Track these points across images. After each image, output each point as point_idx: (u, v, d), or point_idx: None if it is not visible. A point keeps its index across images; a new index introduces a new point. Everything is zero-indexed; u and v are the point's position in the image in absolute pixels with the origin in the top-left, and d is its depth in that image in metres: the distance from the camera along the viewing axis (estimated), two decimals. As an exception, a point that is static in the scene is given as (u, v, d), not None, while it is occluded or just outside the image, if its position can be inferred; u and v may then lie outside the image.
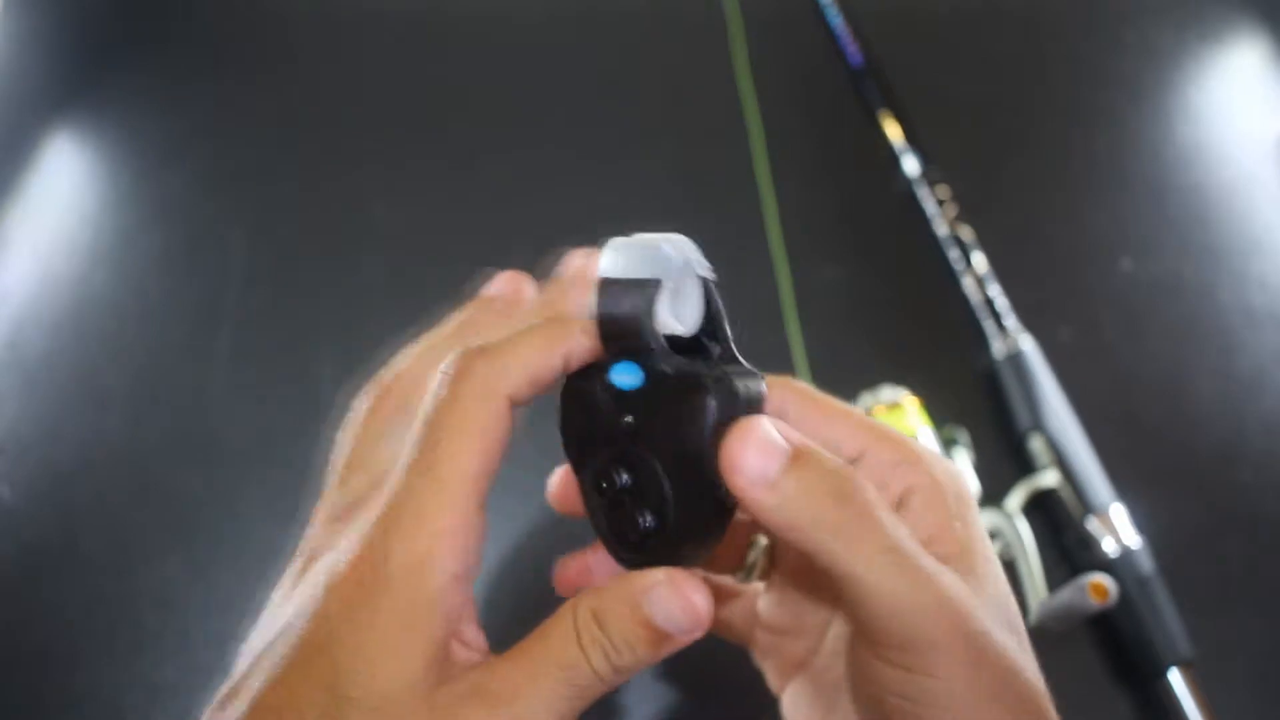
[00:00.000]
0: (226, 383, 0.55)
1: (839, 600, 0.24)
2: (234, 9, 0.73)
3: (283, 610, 0.23)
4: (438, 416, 0.23)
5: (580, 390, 0.26)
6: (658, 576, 0.23)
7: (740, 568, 0.31)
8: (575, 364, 0.25)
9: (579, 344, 0.25)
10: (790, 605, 0.30)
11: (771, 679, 0.30)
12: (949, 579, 0.22)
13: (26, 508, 0.51)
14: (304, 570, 0.24)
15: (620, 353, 0.25)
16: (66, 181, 0.64)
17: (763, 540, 0.31)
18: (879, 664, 0.22)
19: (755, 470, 0.22)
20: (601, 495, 0.25)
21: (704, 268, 0.25)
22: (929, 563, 0.22)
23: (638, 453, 0.24)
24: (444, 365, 0.24)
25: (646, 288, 0.24)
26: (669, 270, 0.24)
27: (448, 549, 0.22)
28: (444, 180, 0.64)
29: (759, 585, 0.31)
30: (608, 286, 0.25)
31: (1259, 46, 0.70)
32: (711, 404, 0.23)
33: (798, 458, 0.23)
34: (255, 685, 0.21)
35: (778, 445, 0.22)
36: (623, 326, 0.25)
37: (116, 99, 0.68)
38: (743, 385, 0.24)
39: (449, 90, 0.68)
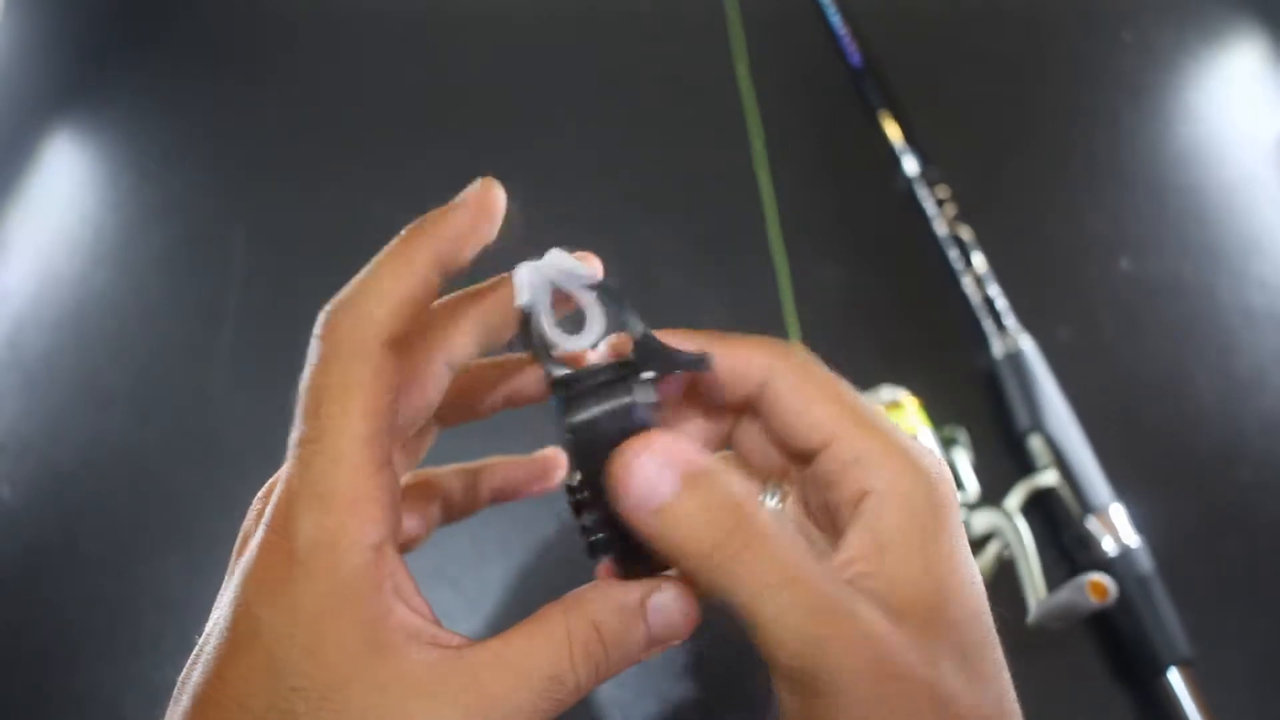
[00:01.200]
0: (227, 382, 0.55)
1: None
2: (234, 9, 0.73)
3: (219, 603, 0.22)
4: (315, 381, 0.22)
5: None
6: (660, 583, 0.23)
7: None
8: (458, 259, 0.24)
9: (443, 238, 0.24)
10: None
11: None
12: (855, 608, 0.20)
13: (27, 507, 0.51)
14: (240, 551, 0.24)
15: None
16: (67, 181, 0.64)
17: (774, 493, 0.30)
18: (784, 696, 0.21)
19: (641, 492, 0.21)
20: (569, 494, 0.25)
21: (579, 280, 0.25)
22: (832, 589, 0.20)
23: (587, 465, 0.24)
24: (315, 326, 0.23)
25: (527, 314, 0.25)
26: (522, 298, 0.24)
27: (356, 523, 0.21)
28: (444, 180, 0.63)
29: None
30: (522, 314, 0.25)
31: (1259, 46, 0.70)
32: (567, 419, 0.23)
33: (691, 480, 0.21)
34: (196, 680, 0.21)
35: (667, 466, 0.21)
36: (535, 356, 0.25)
37: (117, 99, 0.68)
38: (604, 395, 0.23)
39: (449, 90, 0.68)
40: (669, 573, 0.24)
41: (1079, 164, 0.64)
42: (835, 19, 0.66)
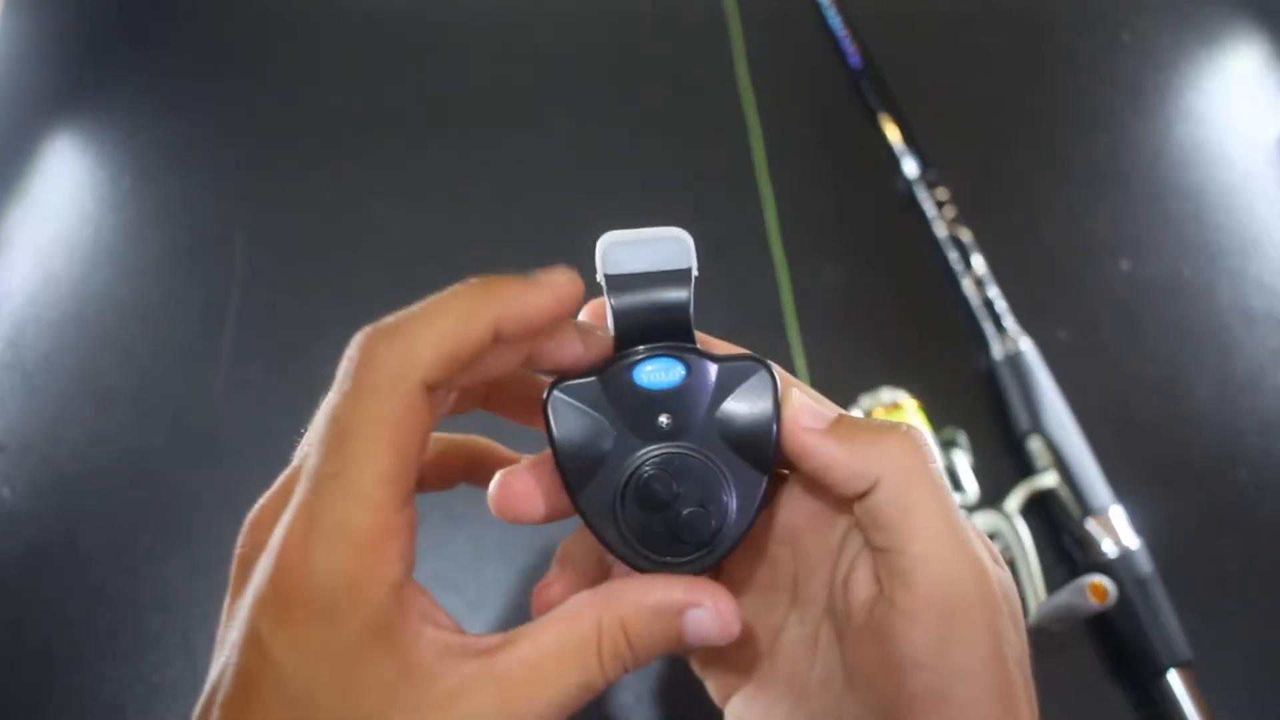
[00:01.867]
0: (228, 382, 0.55)
1: (877, 549, 0.23)
2: (234, 9, 0.73)
3: (227, 634, 0.21)
4: (343, 413, 0.21)
5: (585, 397, 0.24)
6: (701, 598, 0.23)
7: None
8: (511, 330, 0.22)
9: (513, 306, 0.22)
10: (742, 609, 0.29)
11: (715, 690, 0.29)
12: (983, 548, 0.23)
13: (28, 507, 0.51)
14: (239, 579, 0.22)
15: (638, 353, 0.24)
16: (68, 182, 0.64)
17: None
18: (909, 627, 0.22)
19: (817, 426, 0.23)
20: (646, 506, 0.24)
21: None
22: (972, 530, 0.23)
23: (679, 450, 0.24)
24: (348, 349, 0.21)
25: (682, 276, 0.24)
26: (690, 260, 0.24)
27: (378, 563, 0.20)
28: (444, 180, 0.64)
29: None
30: (627, 281, 0.24)
31: (1258, 47, 0.70)
32: (773, 383, 0.24)
33: (842, 417, 0.24)
34: None
35: (825, 409, 0.24)
36: (656, 320, 0.24)
37: (118, 100, 0.68)
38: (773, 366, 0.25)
39: (449, 90, 0.68)
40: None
41: (1078, 165, 0.64)
42: (835, 20, 0.66)
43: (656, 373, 0.24)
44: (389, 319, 0.22)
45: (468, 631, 0.22)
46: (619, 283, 0.24)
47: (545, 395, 0.24)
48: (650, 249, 0.24)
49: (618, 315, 0.24)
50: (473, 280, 0.23)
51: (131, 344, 0.57)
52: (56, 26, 0.72)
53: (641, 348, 0.24)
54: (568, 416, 0.24)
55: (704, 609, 0.23)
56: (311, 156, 0.65)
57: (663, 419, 0.24)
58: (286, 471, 0.24)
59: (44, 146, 0.66)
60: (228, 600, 0.22)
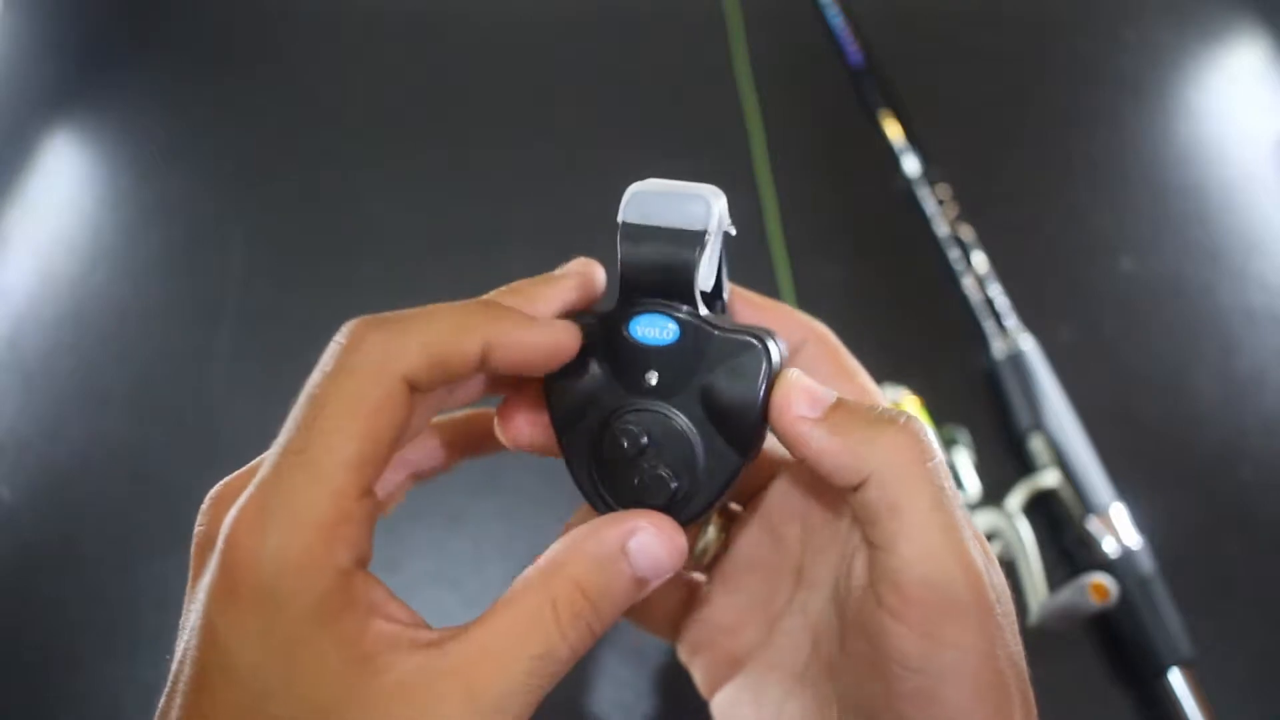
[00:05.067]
0: (227, 382, 0.55)
1: (870, 544, 0.23)
2: (234, 9, 0.73)
3: (184, 626, 0.21)
4: (320, 391, 0.20)
5: (585, 342, 0.24)
6: (636, 522, 0.22)
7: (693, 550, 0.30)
8: (503, 360, 0.22)
9: (512, 337, 0.22)
10: (740, 595, 0.28)
11: (703, 679, 0.29)
12: (978, 547, 0.22)
13: (27, 507, 0.51)
14: (198, 561, 0.22)
15: (639, 306, 0.24)
16: (66, 181, 0.64)
17: (711, 529, 0.29)
18: (897, 628, 0.21)
19: (810, 413, 0.23)
20: (613, 455, 0.24)
21: (729, 223, 0.25)
22: (968, 528, 0.22)
23: (659, 410, 0.24)
24: (337, 334, 0.21)
25: (692, 238, 0.23)
26: (709, 222, 0.24)
27: (326, 547, 0.19)
28: (444, 180, 0.64)
29: (695, 576, 0.30)
30: (639, 232, 0.24)
31: (1259, 46, 0.70)
32: (765, 364, 0.23)
33: (840, 404, 0.23)
34: (173, 716, 0.20)
35: (823, 394, 0.23)
36: (658, 277, 0.23)
37: (116, 98, 0.68)
38: (777, 347, 0.24)
39: (449, 90, 0.68)
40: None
41: (1079, 164, 0.64)
42: (835, 18, 0.66)
43: (650, 329, 0.24)
44: (388, 313, 0.22)
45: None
46: (631, 232, 0.24)
47: None
48: (672, 204, 0.24)
49: (623, 265, 0.24)
50: (478, 299, 0.23)
51: (130, 343, 0.57)
52: (56, 26, 0.72)
53: (642, 301, 0.24)
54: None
55: (644, 532, 0.22)
56: (311, 156, 0.65)
57: (650, 375, 0.24)
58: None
59: (42, 145, 0.66)
60: (189, 584, 0.21)
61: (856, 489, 0.22)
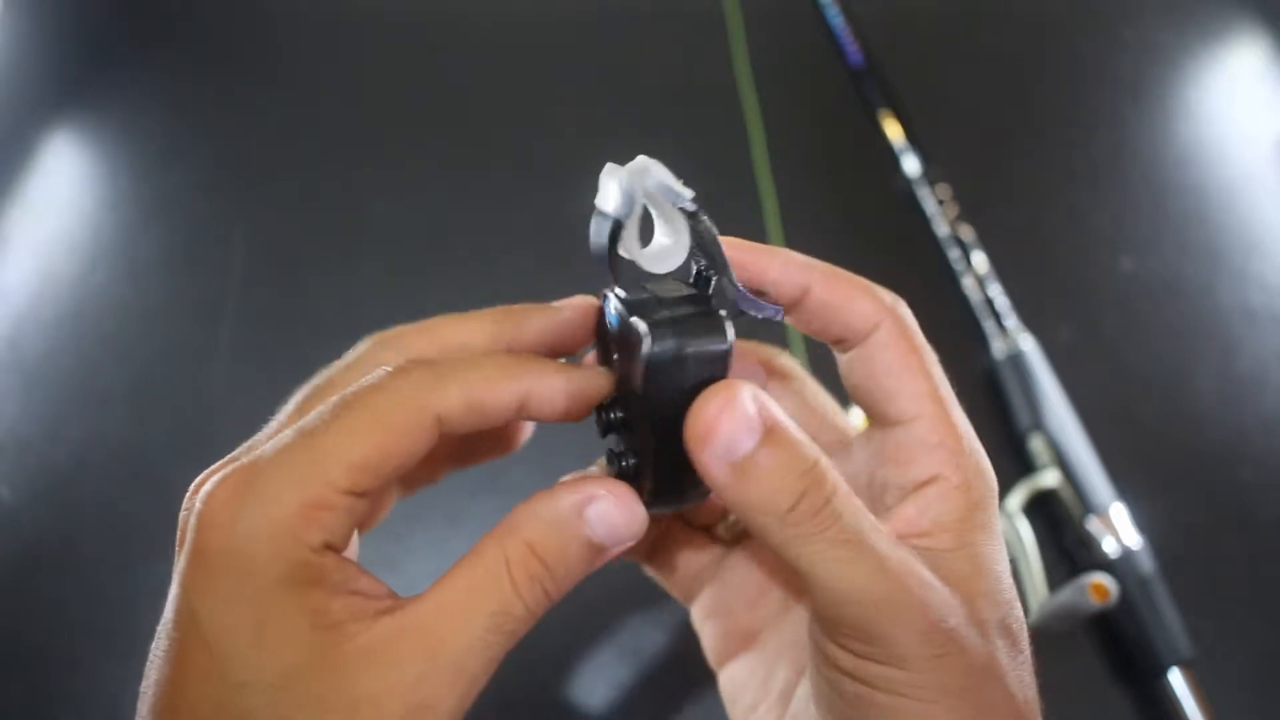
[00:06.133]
0: (227, 382, 0.55)
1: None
2: (234, 9, 0.73)
3: (169, 596, 0.21)
4: (354, 396, 0.21)
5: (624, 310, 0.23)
6: (595, 490, 0.22)
7: (722, 519, 0.29)
8: (538, 409, 0.23)
9: (546, 387, 0.22)
10: (764, 568, 0.28)
11: (714, 649, 0.28)
12: (918, 573, 0.21)
13: (26, 507, 0.51)
14: (180, 545, 0.22)
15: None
16: (66, 181, 0.64)
17: None
18: (835, 649, 0.21)
19: (724, 444, 0.20)
20: (609, 435, 0.24)
21: (676, 197, 0.23)
22: (896, 553, 0.21)
23: (627, 392, 0.23)
24: (367, 345, 0.23)
25: (603, 220, 0.22)
26: (611, 204, 0.22)
27: (304, 526, 0.20)
28: (444, 180, 0.64)
29: (720, 542, 0.30)
30: (593, 218, 0.23)
31: (1259, 46, 0.69)
32: (643, 354, 0.21)
33: (771, 438, 0.21)
34: (149, 688, 0.20)
35: (750, 419, 0.21)
36: (600, 263, 0.23)
37: (116, 99, 0.68)
38: (687, 336, 0.21)
39: (449, 90, 0.68)
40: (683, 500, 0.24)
41: (1080, 164, 0.64)
42: (835, 18, 0.66)
43: (609, 309, 0.24)
44: (433, 357, 0.23)
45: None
46: (592, 218, 0.23)
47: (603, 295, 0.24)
48: (604, 186, 0.23)
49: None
50: (517, 353, 0.23)
51: (130, 343, 0.57)
52: (55, 25, 0.72)
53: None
54: (601, 318, 0.25)
55: (602, 500, 0.22)
56: (311, 156, 0.65)
57: (615, 356, 0.24)
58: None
59: (42, 145, 0.66)
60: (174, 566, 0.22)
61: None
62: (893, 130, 0.61)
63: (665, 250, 0.23)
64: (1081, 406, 0.50)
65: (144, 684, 0.21)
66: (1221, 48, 0.69)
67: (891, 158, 0.60)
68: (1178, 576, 0.46)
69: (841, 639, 0.21)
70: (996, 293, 0.54)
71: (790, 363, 0.28)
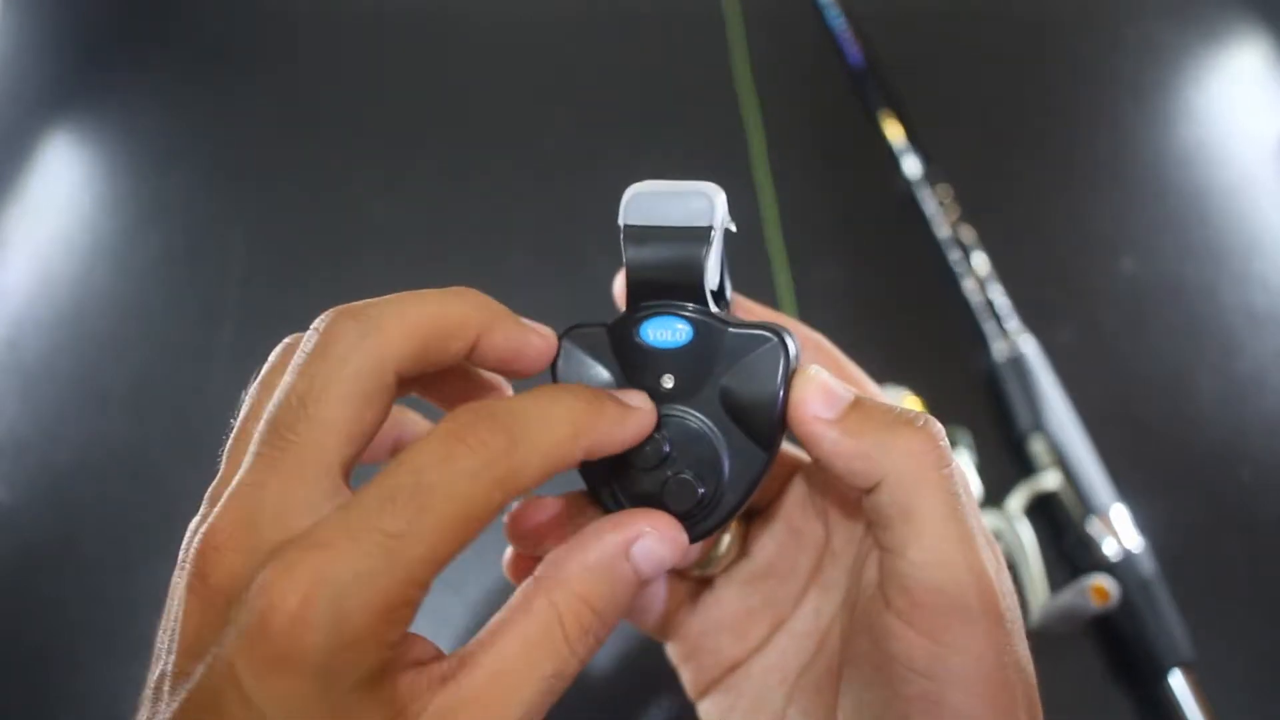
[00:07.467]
0: (226, 382, 0.55)
1: (880, 547, 0.22)
2: (234, 9, 0.73)
3: (190, 663, 0.20)
4: (437, 481, 0.19)
5: (594, 347, 0.24)
6: (639, 525, 0.22)
7: (700, 560, 0.29)
8: (598, 454, 0.22)
9: (612, 441, 0.22)
10: (753, 598, 0.28)
11: (694, 680, 0.28)
12: (989, 554, 0.22)
13: (26, 508, 0.51)
14: (204, 597, 0.20)
15: (648, 309, 0.23)
16: (66, 181, 0.64)
17: (727, 535, 0.28)
18: (905, 631, 0.21)
19: (826, 413, 0.22)
20: (635, 463, 0.23)
21: (730, 220, 0.25)
22: (980, 534, 0.22)
23: (677, 414, 0.23)
24: (315, 322, 0.22)
25: (698, 235, 0.23)
26: (714, 217, 0.23)
27: (388, 625, 0.18)
28: (444, 180, 0.64)
29: (693, 577, 0.29)
30: (643, 234, 0.23)
31: (1259, 46, 0.69)
32: (783, 357, 0.23)
33: (857, 403, 0.23)
34: None
35: (841, 393, 0.23)
36: (667, 278, 0.23)
37: (116, 99, 0.68)
38: (793, 341, 0.24)
39: (449, 90, 0.68)
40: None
41: (1080, 164, 0.63)
42: (836, 19, 0.66)
43: (662, 331, 0.23)
44: (358, 303, 0.22)
45: (450, 645, 0.21)
46: (635, 234, 0.24)
47: (560, 336, 0.24)
48: (674, 202, 0.23)
49: (630, 268, 0.23)
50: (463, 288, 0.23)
51: (130, 344, 0.57)
52: (55, 25, 0.72)
53: (650, 304, 0.24)
54: (575, 363, 0.24)
55: (647, 536, 0.22)
56: (311, 156, 0.65)
57: (666, 379, 0.23)
58: None
59: (42, 145, 0.66)
60: (183, 589, 0.20)
61: (870, 491, 0.22)
62: (893, 131, 0.61)
63: (716, 267, 0.24)
64: (1082, 408, 0.50)
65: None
66: (1222, 48, 0.69)
67: (892, 159, 0.60)
68: (1178, 578, 0.46)
69: (919, 614, 0.21)
70: (997, 294, 0.54)
71: (819, 337, 0.29)
